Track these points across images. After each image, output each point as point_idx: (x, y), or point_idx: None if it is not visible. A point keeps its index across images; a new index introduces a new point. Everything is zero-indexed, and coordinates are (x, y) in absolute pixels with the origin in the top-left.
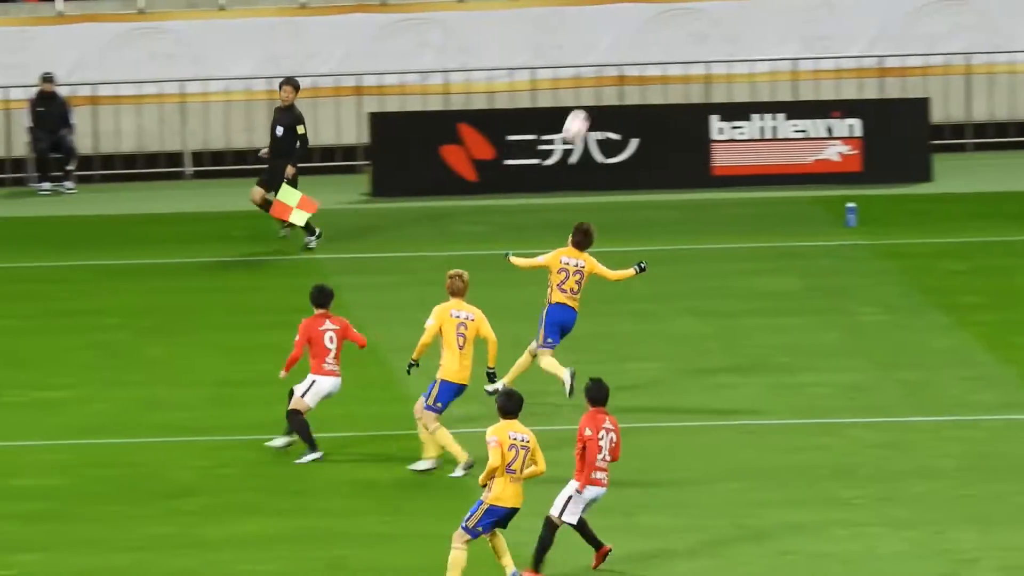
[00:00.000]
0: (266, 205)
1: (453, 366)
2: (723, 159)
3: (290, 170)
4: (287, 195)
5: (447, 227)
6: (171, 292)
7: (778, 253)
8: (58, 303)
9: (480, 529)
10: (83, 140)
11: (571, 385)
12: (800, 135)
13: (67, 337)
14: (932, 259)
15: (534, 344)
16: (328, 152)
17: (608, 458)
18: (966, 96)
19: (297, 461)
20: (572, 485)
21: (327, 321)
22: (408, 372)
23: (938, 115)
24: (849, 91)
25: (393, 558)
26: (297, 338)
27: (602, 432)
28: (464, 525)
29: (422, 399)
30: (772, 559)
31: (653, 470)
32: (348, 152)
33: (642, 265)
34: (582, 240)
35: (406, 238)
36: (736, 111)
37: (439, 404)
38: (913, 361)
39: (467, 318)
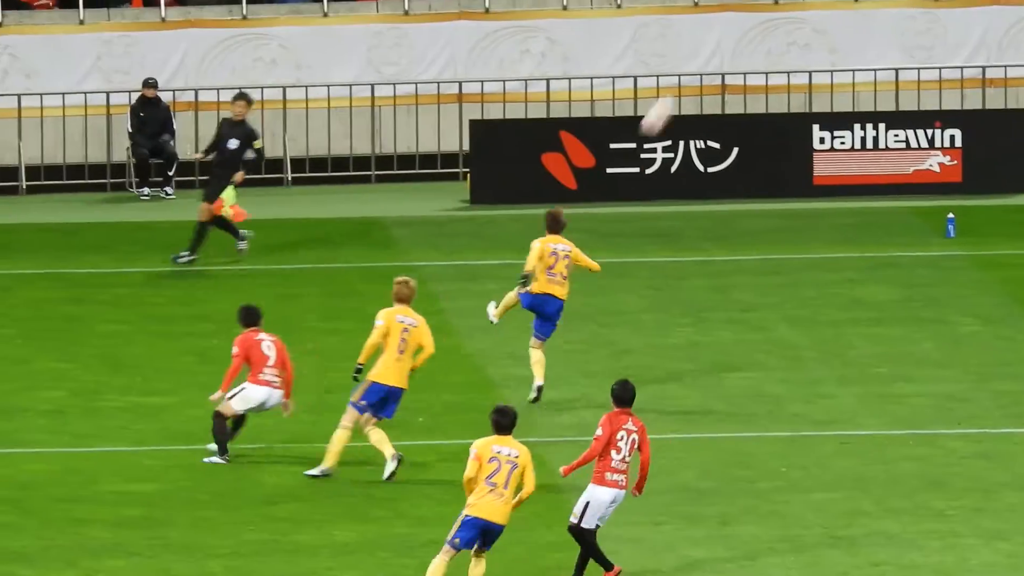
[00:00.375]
0: (216, 219)
1: (387, 369)
2: (824, 168)
3: (240, 176)
4: (228, 196)
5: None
6: (271, 298)
7: (877, 263)
8: (158, 308)
9: (458, 541)
10: (184, 145)
11: (537, 396)
12: (901, 145)
13: (166, 342)
14: None
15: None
16: (429, 159)
17: (628, 459)
18: None
19: (205, 459)
20: (590, 489)
21: (261, 333)
22: (355, 379)
23: None
24: (950, 102)
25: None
26: (235, 351)
27: (621, 433)
28: (448, 537)
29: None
30: (864, 570)
31: (751, 479)
32: (450, 159)
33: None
34: (552, 224)
35: (503, 246)
36: (837, 120)
37: (363, 402)
38: (1011, 372)
39: (411, 324)
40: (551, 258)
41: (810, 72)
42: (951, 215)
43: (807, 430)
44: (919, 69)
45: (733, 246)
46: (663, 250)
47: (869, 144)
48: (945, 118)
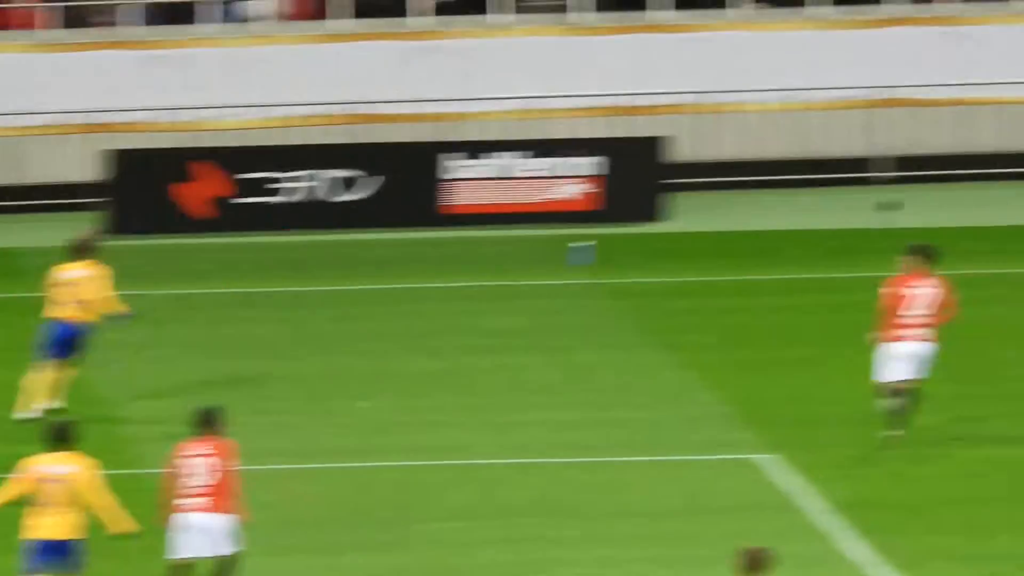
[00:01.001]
0: None
1: None
2: (458, 197)
3: None
4: None
5: (178, 265)
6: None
7: (507, 292)
8: None
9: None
10: None
11: (34, 416)
12: (537, 173)
13: None
14: (661, 298)
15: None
16: (68, 189)
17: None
18: (704, 135)
19: None
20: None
21: None
22: None
23: (680, 154)
24: (588, 130)
25: None
26: None
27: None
28: None
29: None
30: None
31: (368, 509)
32: (88, 190)
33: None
34: (76, 250)
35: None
36: (473, 149)
37: None
38: (629, 401)
39: None
40: (57, 288)
41: (442, 101)
42: (581, 243)
43: (425, 459)
44: (554, 98)
45: (359, 276)
46: (289, 280)
47: (506, 172)
48: (582, 146)
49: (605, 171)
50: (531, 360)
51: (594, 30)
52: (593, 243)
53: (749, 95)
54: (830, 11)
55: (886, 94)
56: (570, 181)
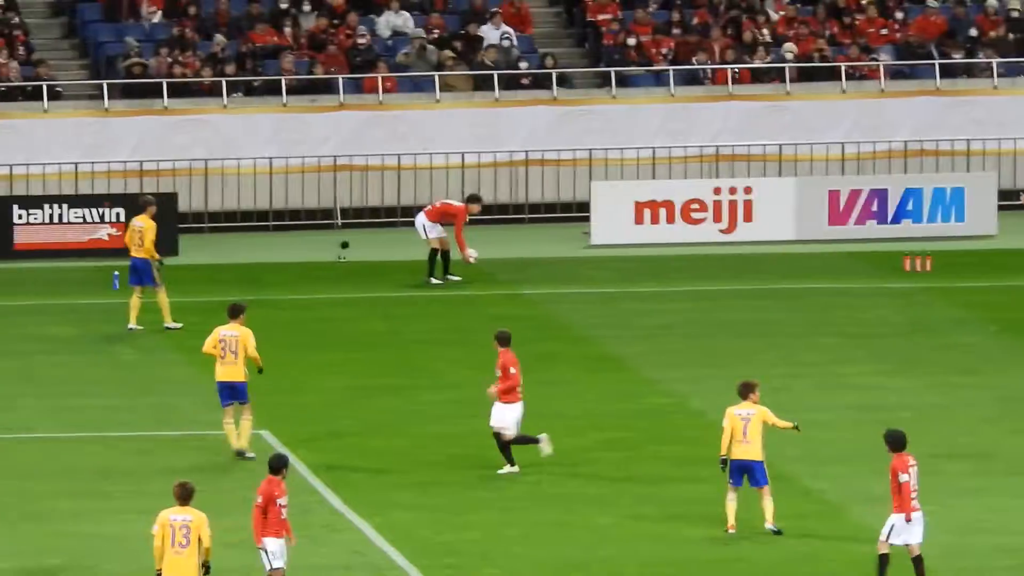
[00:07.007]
0: None
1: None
2: (23, 238)
3: None
4: None
5: None
6: None
7: (64, 308)
8: None
9: None
10: None
11: None
12: (79, 220)
13: None
14: (179, 313)
15: None
16: None
17: None
18: (207, 191)
19: None
20: None
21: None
22: None
23: (188, 206)
24: (120, 187)
25: None
26: None
27: None
28: None
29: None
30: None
31: None
32: None
33: None
34: None
35: None
36: (32, 201)
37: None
38: (156, 388)
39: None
40: None
41: (6, 165)
42: (116, 272)
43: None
44: (92, 163)
45: None
46: None
47: (56, 219)
48: (112, 200)
49: (126, 219)
50: (86, 359)
51: (121, 113)
52: (116, 273)
53: (239, 162)
54: (294, 99)
55: (342, 161)
56: (103, 226)
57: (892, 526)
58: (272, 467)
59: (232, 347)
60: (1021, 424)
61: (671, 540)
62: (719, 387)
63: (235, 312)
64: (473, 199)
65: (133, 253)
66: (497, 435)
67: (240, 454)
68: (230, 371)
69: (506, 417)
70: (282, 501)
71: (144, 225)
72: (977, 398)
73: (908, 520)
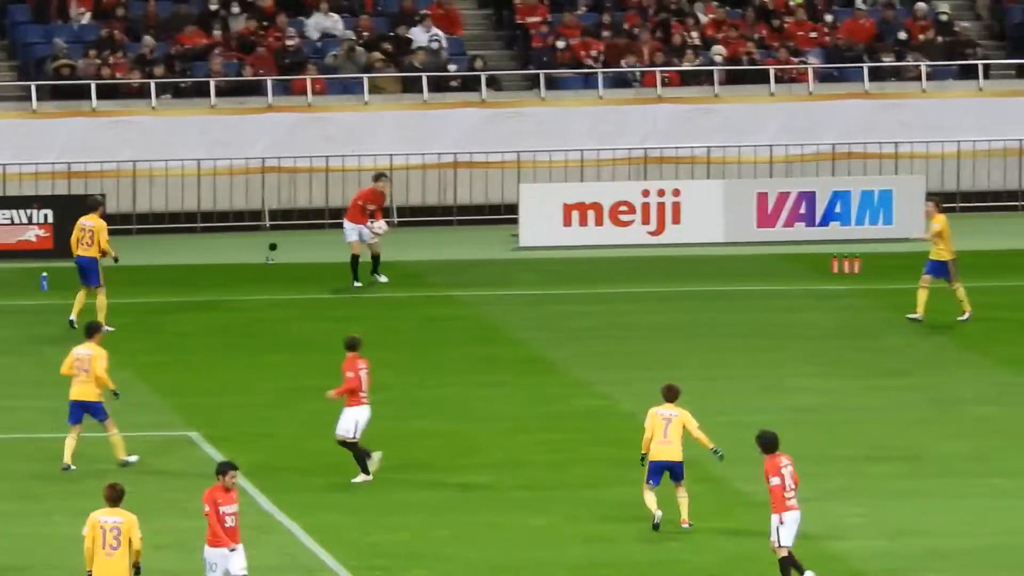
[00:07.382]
0: None
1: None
2: None
3: None
4: None
5: None
6: None
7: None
8: None
9: None
10: None
11: None
12: (7, 221)
13: None
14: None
15: None
16: None
17: None
18: (135, 193)
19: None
20: None
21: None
22: None
23: (115, 207)
24: (48, 189)
25: None
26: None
27: None
28: None
29: None
30: None
31: None
32: None
33: None
34: None
35: None
36: None
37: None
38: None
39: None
40: None
41: None
42: (44, 273)
43: None
44: (25, 164)
45: None
46: None
47: None
48: (40, 201)
49: (54, 220)
50: (16, 360)
51: (50, 114)
52: (45, 274)
53: (167, 163)
54: (222, 101)
55: (270, 163)
56: (32, 227)
57: (776, 528)
58: (216, 471)
59: (85, 366)
60: (952, 426)
61: (605, 542)
62: (650, 389)
63: (90, 331)
64: (376, 177)
65: (79, 252)
66: (343, 443)
67: (124, 464)
68: (83, 390)
69: (344, 420)
70: (226, 509)
71: (95, 224)
72: (907, 400)
73: (781, 522)
